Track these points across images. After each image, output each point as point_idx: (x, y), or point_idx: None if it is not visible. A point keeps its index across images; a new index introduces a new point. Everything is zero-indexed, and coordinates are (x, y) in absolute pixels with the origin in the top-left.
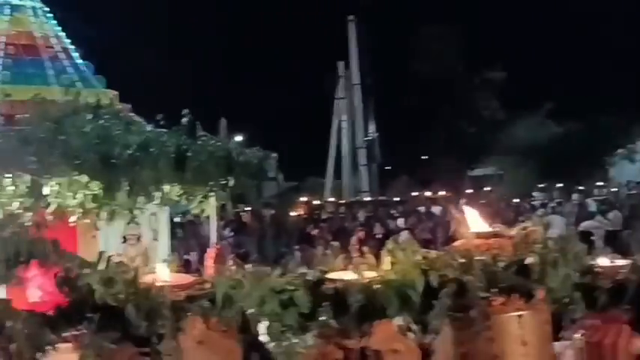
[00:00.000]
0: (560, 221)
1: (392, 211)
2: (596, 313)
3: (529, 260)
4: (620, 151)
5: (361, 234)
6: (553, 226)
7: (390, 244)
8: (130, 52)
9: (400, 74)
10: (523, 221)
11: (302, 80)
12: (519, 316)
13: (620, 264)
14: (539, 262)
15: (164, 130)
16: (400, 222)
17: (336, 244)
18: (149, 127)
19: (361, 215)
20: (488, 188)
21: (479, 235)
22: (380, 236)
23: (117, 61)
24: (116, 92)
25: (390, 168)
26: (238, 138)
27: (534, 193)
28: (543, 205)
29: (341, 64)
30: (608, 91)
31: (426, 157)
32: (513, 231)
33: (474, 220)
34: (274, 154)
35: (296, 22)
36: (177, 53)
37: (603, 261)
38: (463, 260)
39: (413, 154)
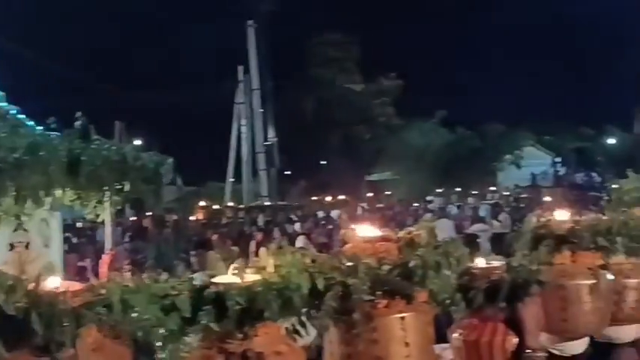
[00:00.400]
0: (448, 225)
1: (291, 216)
2: (474, 313)
3: (412, 263)
4: (507, 157)
5: (260, 238)
6: (442, 229)
7: (271, 247)
8: (21, 52)
9: (300, 80)
10: (411, 225)
11: (202, 84)
12: (402, 317)
13: (495, 265)
14: (422, 265)
15: (56, 133)
16: (297, 226)
17: (235, 248)
18: (40, 131)
19: (260, 220)
20: (387, 192)
21: (366, 239)
22: (278, 241)
23: (4, 61)
24: (2, 93)
25: (289, 173)
26: (137, 142)
27: (431, 197)
28: (441, 209)
29: (240, 69)
30: (497, 100)
31: (325, 162)
32: (399, 235)
33: (362, 225)
34: (171, 159)
35: (196, 25)
36: (73, 54)
37: (480, 262)
38: (349, 264)
39: (312, 159)
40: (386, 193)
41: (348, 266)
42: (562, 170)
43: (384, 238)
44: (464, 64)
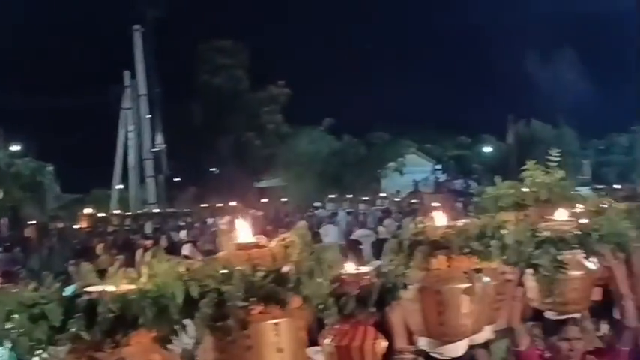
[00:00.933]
0: (334, 231)
1: (180, 223)
2: (346, 318)
3: (285, 269)
4: (391, 164)
5: (147, 246)
6: (328, 235)
7: (147, 255)
8: None
9: (189, 86)
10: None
11: (87, 89)
12: (276, 323)
13: (365, 270)
14: (295, 271)
15: None
16: (183, 234)
17: (120, 257)
18: None
19: (148, 227)
20: (280, 199)
21: (240, 246)
22: (165, 248)
23: None
24: None
25: (179, 180)
26: (15, 148)
27: (319, 204)
28: (333, 215)
29: (127, 74)
30: (381, 109)
31: (215, 168)
32: (273, 241)
33: (240, 231)
34: (50, 166)
35: (81, 29)
36: None
37: (350, 268)
38: (224, 270)
39: (202, 165)
40: (278, 199)
41: (222, 273)
42: (442, 177)
43: (258, 245)
44: (350, 74)
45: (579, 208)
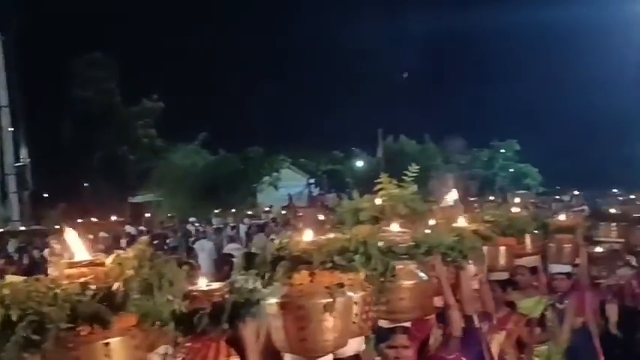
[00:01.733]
0: (208, 245)
1: (49, 241)
2: (198, 335)
3: (115, 287)
4: (266, 178)
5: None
6: (203, 250)
7: None
8: None
9: (59, 99)
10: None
11: None
12: (106, 344)
13: (217, 286)
14: (125, 289)
15: None
16: (46, 252)
17: None
18: None
19: (11, 246)
20: (148, 214)
21: (72, 265)
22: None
23: None
24: None
25: (47, 195)
26: None
27: (194, 219)
28: (218, 230)
29: None
30: (256, 124)
31: (87, 183)
32: (109, 258)
33: (75, 248)
34: None
35: None
36: None
37: (202, 284)
38: (47, 291)
39: (72, 180)
40: (154, 214)
41: (45, 294)
42: (315, 191)
43: (92, 262)
44: (224, 89)
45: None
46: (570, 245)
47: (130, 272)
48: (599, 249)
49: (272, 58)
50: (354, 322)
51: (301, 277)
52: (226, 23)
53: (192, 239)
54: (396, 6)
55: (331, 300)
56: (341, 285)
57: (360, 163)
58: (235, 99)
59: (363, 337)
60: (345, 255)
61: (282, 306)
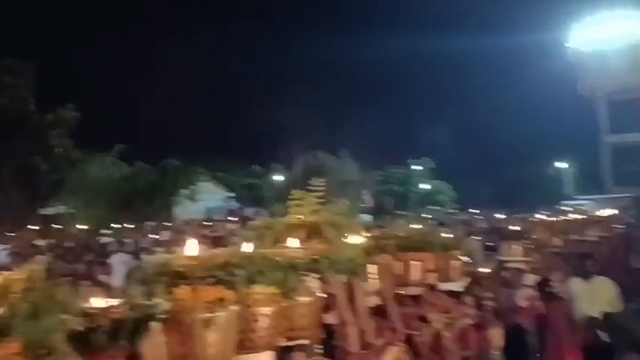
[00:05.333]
0: (125, 258)
1: None
2: (96, 353)
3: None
4: (183, 191)
5: None
6: (118, 264)
7: None
8: None
9: None
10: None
11: None
12: None
13: (115, 303)
14: (17, 314)
15: None
16: None
17: None
18: None
19: None
20: (59, 226)
21: None
22: None
23: None
24: None
25: None
26: None
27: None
28: (122, 243)
29: None
30: (174, 137)
31: None
32: None
33: None
34: None
35: None
36: None
37: (98, 302)
38: None
39: None
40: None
41: None
42: (234, 205)
43: None
44: (142, 100)
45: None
46: (458, 263)
47: (16, 295)
48: (484, 269)
49: (193, 70)
50: (260, 337)
51: (183, 292)
52: (145, 32)
53: (106, 252)
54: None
55: (213, 315)
56: (223, 300)
57: (279, 178)
58: (154, 111)
59: (273, 351)
60: (227, 270)
61: (164, 322)
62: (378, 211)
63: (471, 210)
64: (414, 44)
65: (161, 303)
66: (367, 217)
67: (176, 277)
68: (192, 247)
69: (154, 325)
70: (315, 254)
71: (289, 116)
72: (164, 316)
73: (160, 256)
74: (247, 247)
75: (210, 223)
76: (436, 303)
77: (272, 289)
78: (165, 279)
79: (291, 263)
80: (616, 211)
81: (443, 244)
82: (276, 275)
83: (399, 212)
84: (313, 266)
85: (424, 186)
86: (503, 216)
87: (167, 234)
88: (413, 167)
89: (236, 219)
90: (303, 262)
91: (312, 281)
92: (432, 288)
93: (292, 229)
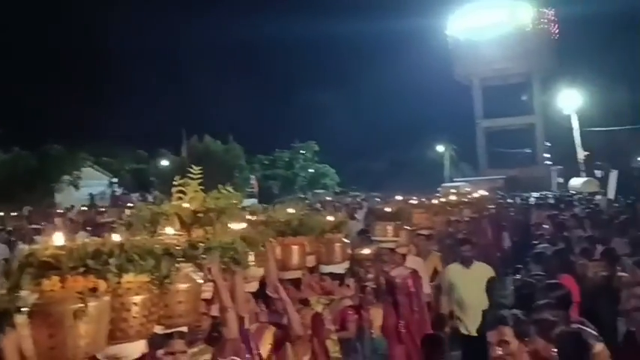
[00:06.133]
0: (1, 248)
1: None
2: None
3: None
4: (65, 177)
5: None
6: None
7: None
8: None
9: None
10: None
11: None
12: None
13: None
14: None
15: None
16: None
17: None
18: None
19: None
20: None
21: None
22: None
23: None
24: None
25: None
26: None
27: None
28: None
29: None
30: (54, 121)
31: None
32: None
33: None
34: None
35: None
36: None
37: None
38: None
39: None
40: None
41: None
42: (119, 190)
43: None
44: (23, 83)
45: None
46: (340, 245)
47: None
48: (366, 250)
49: (74, 55)
50: (131, 326)
51: (51, 283)
52: (33, 18)
53: None
54: (209, 10)
55: (83, 305)
56: (94, 289)
57: (165, 163)
58: (34, 95)
59: (145, 340)
60: (99, 259)
61: (31, 314)
62: (263, 196)
63: (354, 192)
64: (298, 28)
65: (27, 295)
66: (253, 202)
67: (45, 267)
68: (59, 236)
69: (19, 319)
70: (193, 241)
71: (174, 100)
72: (30, 309)
73: (27, 247)
74: (121, 235)
75: (92, 210)
76: (315, 286)
77: (144, 277)
78: (33, 270)
79: (167, 250)
80: (487, 193)
81: (324, 227)
82: (149, 263)
83: (285, 196)
84: (191, 253)
85: (310, 169)
86: (382, 197)
87: (47, 222)
88: (299, 151)
89: (120, 205)
90: (180, 249)
91: (190, 268)
92: (311, 271)
93: (171, 216)
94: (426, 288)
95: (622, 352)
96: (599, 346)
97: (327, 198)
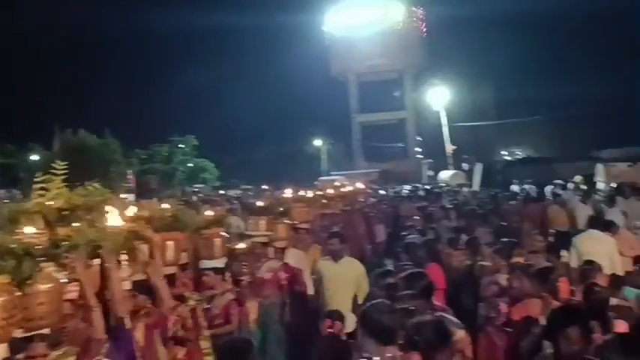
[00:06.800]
0: None
1: None
2: None
3: None
4: None
5: None
6: None
7: None
8: None
9: None
10: None
11: None
12: None
13: None
14: None
15: None
16: None
17: None
18: None
19: None
20: None
21: None
22: None
23: None
24: None
25: None
26: None
27: None
28: None
29: None
30: None
31: None
32: None
33: None
34: None
35: None
36: None
37: None
38: None
39: None
40: None
41: None
42: None
43: None
44: None
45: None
46: (220, 240)
47: None
48: (241, 245)
49: None
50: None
51: None
52: None
53: None
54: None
55: None
56: None
57: (35, 157)
58: None
59: (5, 344)
60: None
61: None
62: (141, 191)
63: (233, 186)
64: (174, 20)
65: None
66: (130, 197)
67: None
68: None
69: None
70: (56, 239)
71: (47, 92)
72: None
73: None
74: None
75: None
76: (188, 282)
77: (3, 279)
78: None
79: (27, 250)
80: (362, 185)
81: (201, 222)
82: (10, 264)
83: (163, 191)
84: (53, 252)
85: (189, 164)
86: (254, 191)
87: None
88: (177, 145)
89: None
90: (41, 249)
91: (52, 268)
92: (183, 268)
93: (33, 214)
94: (308, 281)
95: (483, 336)
96: (460, 333)
97: (210, 193)
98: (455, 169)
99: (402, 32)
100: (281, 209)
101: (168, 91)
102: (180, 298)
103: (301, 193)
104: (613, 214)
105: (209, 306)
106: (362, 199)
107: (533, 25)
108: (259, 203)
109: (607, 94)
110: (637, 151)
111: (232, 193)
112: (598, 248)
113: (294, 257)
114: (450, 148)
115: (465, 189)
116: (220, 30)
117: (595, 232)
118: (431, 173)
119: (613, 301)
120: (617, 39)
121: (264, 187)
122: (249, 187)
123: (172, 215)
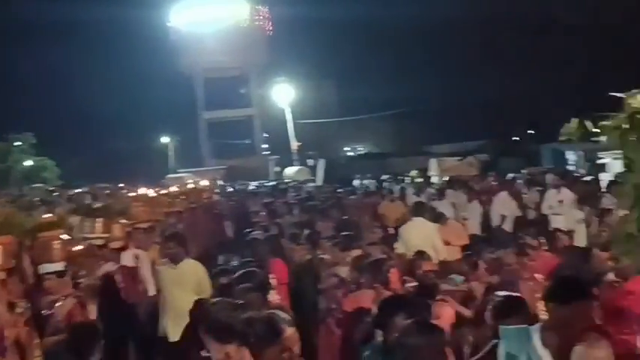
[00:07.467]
0: None
1: None
2: None
3: None
4: None
5: None
6: None
7: None
8: None
9: None
10: None
11: None
12: None
13: None
14: None
15: None
16: None
17: None
18: None
19: None
20: None
21: None
22: None
23: None
24: None
25: None
26: None
27: None
28: None
29: None
30: None
31: None
32: None
33: None
34: None
35: None
36: None
37: None
38: None
39: None
40: None
41: None
42: None
43: None
44: None
45: None
46: (59, 242)
47: None
48: (78, 247)
49: None
50: None
51: None
52: None
53: None
54: None
55: None
56: None
57: None
58: None
59: None
60: None
61: None
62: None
63: (74, 186)
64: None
65: None
66: None
67: None
68: None
69: None
70: None
71: None
72: None
73: None
74: None
75: None
76: (14, 289)
77: None
78: None
79: None
80: (209, 182)
81: (37, 224)
82: None
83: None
84: None
85: (27, 162)
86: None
87: None
88: (13, 143)
89: None
90: None
91: None
92: (10, 273)
93: None
94: (149, 282)
95: (323, 327)
96: (289, 331)
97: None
98: (300, 165)
99: (247, 30)
100: (118, 209)
101: (6, 85)
102: (11, 306)
103: (142, 191)
104: (443, 206)
105: (52, 312)
106: (207, 197)
107: (373, 29)
108: (96, 204)
109: (439, 94)
110: (464, 146)
111: (71, 193)
112: (420, 236)
113: (131, 258)
114: (295, 144)
115: (310, 184)
116: (61, 24)
117: (418, 221)
118: (277, 169)
119: (443, 286)
120: (445, 44)
121: (82, 189)
122: (87, 188)
123: (4, 218)
